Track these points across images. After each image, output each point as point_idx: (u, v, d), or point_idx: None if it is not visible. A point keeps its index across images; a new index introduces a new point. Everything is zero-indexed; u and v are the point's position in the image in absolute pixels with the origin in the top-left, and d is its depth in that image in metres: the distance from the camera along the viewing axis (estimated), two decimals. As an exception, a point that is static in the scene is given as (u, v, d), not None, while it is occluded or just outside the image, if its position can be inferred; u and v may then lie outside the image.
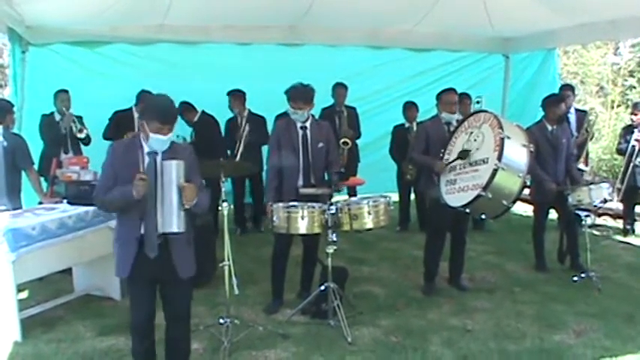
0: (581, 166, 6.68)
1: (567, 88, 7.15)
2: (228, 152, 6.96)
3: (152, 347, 3.36)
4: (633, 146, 6.82)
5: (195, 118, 6.84)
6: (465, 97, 6.92)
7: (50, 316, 4.48)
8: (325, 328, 4.28)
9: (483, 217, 4.83)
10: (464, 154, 4.59)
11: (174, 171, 3.03)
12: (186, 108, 6.77)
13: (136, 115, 6.35)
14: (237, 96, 6.99)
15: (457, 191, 4.59)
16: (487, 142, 4.45)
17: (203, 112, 6.86)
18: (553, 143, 5.51)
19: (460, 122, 4.89)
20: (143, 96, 5.95)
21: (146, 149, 3.10)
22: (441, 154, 4.84)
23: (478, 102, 6.99)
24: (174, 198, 3.02)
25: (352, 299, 4.78)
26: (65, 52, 6.92)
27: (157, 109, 3.08)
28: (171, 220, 3.03)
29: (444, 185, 4.75)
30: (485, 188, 4.25)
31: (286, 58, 7.58)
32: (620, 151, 7.12)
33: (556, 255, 5.90)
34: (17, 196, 5.00)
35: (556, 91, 7.46)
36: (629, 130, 7.04)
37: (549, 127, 5.53)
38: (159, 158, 3.10)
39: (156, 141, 3.06)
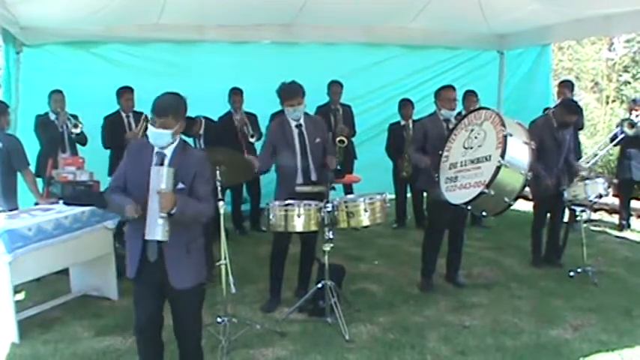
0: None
1: (565, 84, 7.12)
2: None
3: (159, 348, 3.33)
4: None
5: (201, 130, 6.60)
6: (470, 94, 6.92)
7: (47, 316, 4.47)
8: (323, 325, 4.29)
9: (484, 214, 4.83)
10: None
11: (158, 177, 2.91)
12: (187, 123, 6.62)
13: (124, 114, 6.36)
14: (238, 93, 6.92)
15: (458, 188, 4.57)
16: (489, 140, 4.45)
17: (205, 118, 6.67)
18: (557, 138, 5.49)
19: (460, 119, 4.89)
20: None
21: (156, 148, 3.07)
22: (440, 152, 4.84)
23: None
24: (156, 205, 2.90)
25: (349, 297, 4.78)
26: (60, 52, 6.90)
27: (154, 101, 3.07)
28: (154, 227, 2.91)
29: (444, 182, 4.73)
30: (488, 185, 4.24)
31: (281, 56, 7.57)
32: (613, 139, 7.10)
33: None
34: (13, 197, 4.98)
35: (550, 86, 7.49)
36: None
37: (555, 122, 5.52)
38: (166, 160, 3.04)
39: (151, 134, 3.03)
